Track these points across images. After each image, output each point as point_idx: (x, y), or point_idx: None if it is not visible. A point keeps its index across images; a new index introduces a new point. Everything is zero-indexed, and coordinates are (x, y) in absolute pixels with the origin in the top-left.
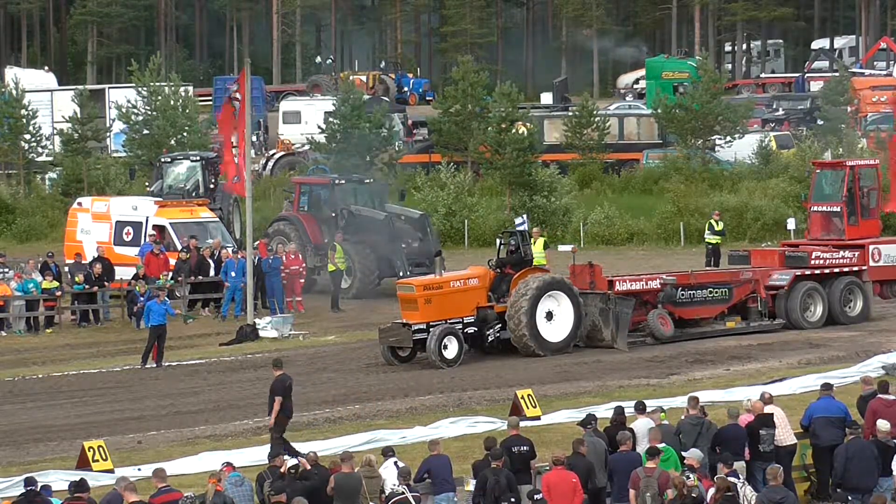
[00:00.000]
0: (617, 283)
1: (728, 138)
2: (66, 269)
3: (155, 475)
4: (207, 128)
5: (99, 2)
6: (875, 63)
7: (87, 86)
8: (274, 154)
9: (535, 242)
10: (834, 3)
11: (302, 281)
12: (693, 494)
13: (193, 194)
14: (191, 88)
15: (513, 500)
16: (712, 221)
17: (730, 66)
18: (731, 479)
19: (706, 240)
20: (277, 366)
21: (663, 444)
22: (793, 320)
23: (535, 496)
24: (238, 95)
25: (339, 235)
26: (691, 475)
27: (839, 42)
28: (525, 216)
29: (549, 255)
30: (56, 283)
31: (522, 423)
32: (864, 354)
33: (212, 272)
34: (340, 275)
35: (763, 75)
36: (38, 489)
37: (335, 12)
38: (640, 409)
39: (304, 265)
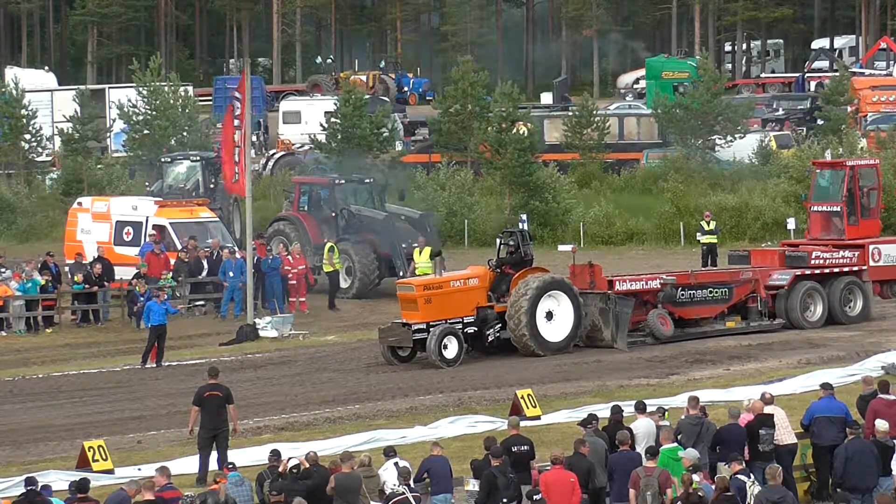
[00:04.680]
0: (617, 283)
1: (728, 138)
2: (67, 269)
3: (159, 472)
4: (207, 128)
5: (99, 2)
6: (875, 63)
7: (88, 86)
8: (274, 154)
9: (419, 253)
10: (834, 3)
11: (311, 282)
12: (700, 493)
13: (193, 194)
14: (191, 88)
15: (507, 500)
16: (703, 223)
17: (730, 66)
18: (742, 476)
19: (699, 241)
20: (212, 374)
21: (674, 444)
22: (793, 320)
23: (535, 496)
24: (238, 94)
25: (335, 236)
26: (697, 475)
27: (839, 42)
28: (525, 216)
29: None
30: (49, 282)
31: (522, 423)
32: (864, 354)
33: (205, 273)
34: (337, 275)
35: (763, 75)
36: (39, 489)
37: (335, 12)
38: (641, 408)
39: (307, 265)
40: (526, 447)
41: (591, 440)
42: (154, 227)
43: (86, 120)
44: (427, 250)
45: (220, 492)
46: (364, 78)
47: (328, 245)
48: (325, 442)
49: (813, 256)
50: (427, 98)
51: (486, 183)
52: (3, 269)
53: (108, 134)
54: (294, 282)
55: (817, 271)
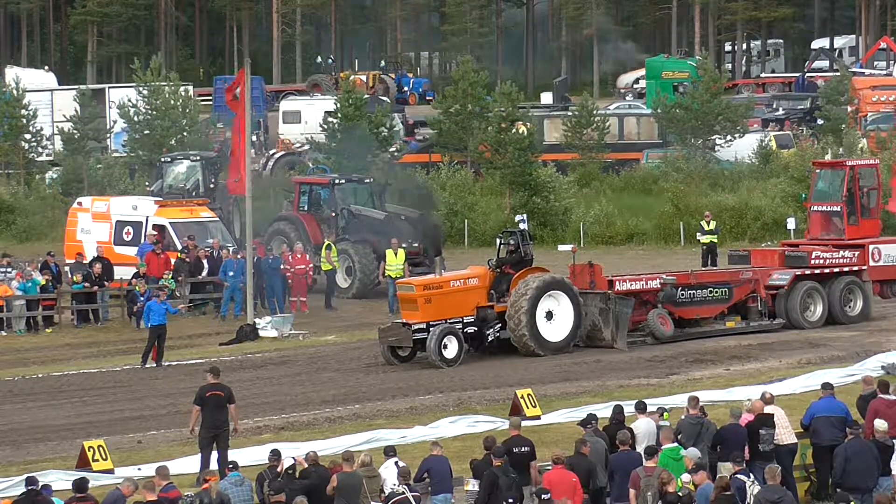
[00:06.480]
0: (617, 282)
1: (728, 138)
2: (67, 268)
3: (157, 473)
4: (207, 128)
5: (99, 2)
6: (875, 63)
7: (88, 86)
8: (274, 154)
9: (395, 255)
10: (834, 3)
11: (309, 281)
12: (679, 494)
13: (193, 194)
14: (191, 88)
15: (511, 500)
16: (703, 223)
17: (730, 66)
18: (742, 476)
19: (699, 241)
20: (213, 374)
21: (674, 444)
22: (793, 320)
23: (543, 495)
24: (237, 93)
25: (334, 235)
26: (687, 476)
27: (839, 42)
28: (524, 216)
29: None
30: (49, 282)
31: (522, 423)
32: (864, 354)
33: (205, 273)
34: (334, 274)
35: (763, 75)
36: (39, 489)
37: (335, 12)
38: (641, 408)
39: (310, 265)
40: (526, 448)
41: (592, 440)
42: (154, 226)
43: (86, 120)
44: (402, 252)
45: (210, 490)
46: (364, 78)
47: (325, 243)
48: (325, 442)
49: (813, 256)
50: (427, 98)
51: (486, 183)
52: (9, 270)
53: (109, 134)
54: (291, 281)
55: (817, 271)
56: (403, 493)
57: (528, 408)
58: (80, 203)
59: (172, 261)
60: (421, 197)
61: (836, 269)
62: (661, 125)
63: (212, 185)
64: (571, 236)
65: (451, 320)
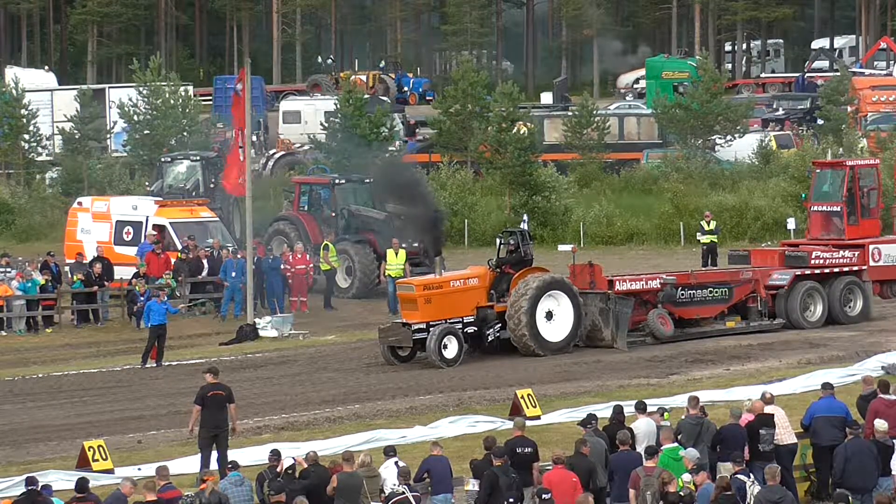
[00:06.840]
0: (617, 282)
1: (728, 138)
2: (67, 268)
3: (157, 473)
4: (208, 128)
5: (99, 2)
6: (875, 63)
7: (88, 86)
8: (274, 154)
9: (395, 254)
10: (834, 3)
11: (309, 281)
12: (682, 493)
13: (193, 194)
14: (191, 88)
15: (512, 499)
16: (703, 223)
17: (730, 65)
18: (742, 476)
19: (699, 241)
20: (213, 373)
21: (674, 444)
22: (793, 320)
23: (544, 495)
24: (239, 86)
25: (332, 235)
26: (687, 476)
27: (839, 42)
28: (526, 216)
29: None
30: (49, 282)
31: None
32: (864, 354)
33: (205, 273)
34: (334, 273)
35: (763, 75)
36: (39, 489)
37: (335, 12)
38: (641, 408)
39: (311, 265)
40: (529, 449)
41: (592, 440)
42: (154, 226)
43: (86, 120)
44: (402, 252)
45: (206, 490)
46: (364, 78)
47: (323, 243)
48: (325, 442)
49: (813, 256)
50: (427, 98)
51: (486, 183)
52: (9, 270)
53: (109, 134)
54: (291, 280)
55: (817, 271)
56: (403, 493)
57: (528, 408)
58: (80, 203)
59: (172, 261)
60: (413, 191)
61: (836, 269)
62: (661, 125)
63: (212, 185)
64: (571, 236)
65: (451, 320)
